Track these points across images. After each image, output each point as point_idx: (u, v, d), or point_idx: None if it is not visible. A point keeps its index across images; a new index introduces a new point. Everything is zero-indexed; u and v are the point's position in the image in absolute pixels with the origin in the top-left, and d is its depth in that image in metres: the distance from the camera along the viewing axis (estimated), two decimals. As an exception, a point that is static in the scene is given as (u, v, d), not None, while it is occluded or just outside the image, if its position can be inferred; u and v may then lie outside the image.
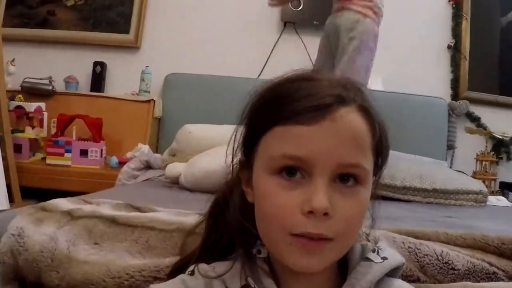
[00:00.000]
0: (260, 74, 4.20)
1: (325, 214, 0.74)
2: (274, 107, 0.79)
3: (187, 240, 1.10)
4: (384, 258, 0.87)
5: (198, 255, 0.92)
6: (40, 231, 1.22)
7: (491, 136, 4.35)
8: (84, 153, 3.39)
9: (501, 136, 4.35)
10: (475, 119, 4.58)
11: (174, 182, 2.74)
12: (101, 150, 3.43)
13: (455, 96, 4.56)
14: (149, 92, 3.97)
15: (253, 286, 0.81)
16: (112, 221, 1.27)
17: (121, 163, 3.41)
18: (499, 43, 4.70)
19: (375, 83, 3.75)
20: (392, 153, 0.87)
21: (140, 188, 2.68)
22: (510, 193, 4.20)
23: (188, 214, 1.35)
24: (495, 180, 4.21)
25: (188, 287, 0.83)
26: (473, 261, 1.29)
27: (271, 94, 0.82)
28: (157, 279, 1.04)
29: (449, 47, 4.57)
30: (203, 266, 0.86)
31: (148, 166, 3.30)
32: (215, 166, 2.56)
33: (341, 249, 0.81)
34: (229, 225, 0.88)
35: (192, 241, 1.08)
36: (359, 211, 0.79)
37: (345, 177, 0.77)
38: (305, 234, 0.74)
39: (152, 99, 3.86)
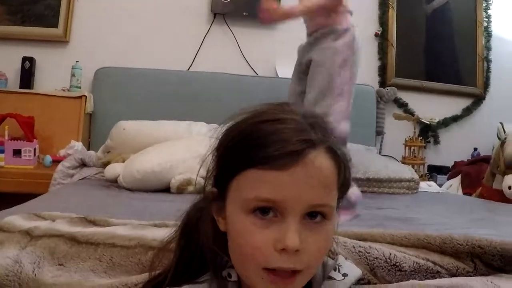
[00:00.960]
0: (190, 66, 4.18)
1: (297, 250, 0.78)
2: (246, 150, 0.82)
3: (153, 256, 1.09)
4: (345, 275, 0.94)
5: (170, 277, 0.93)
6: (3, 254, 1.20)
7: (418, 121, 4.47)
8: (17, 153, 3.29)
9: (428, 121, 4.49)
10: (403, 105, 4.71)
11: (112, 181, 2.72)
12: (34, 149, 3.35)
13: (382, 83, 4.69)
14: (80, 87, 3.88)
15: None
16: (73, 239, 1.25)
17: (55, 161, 3.34)
18: (425, 31, 4.85)
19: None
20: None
21: (79, 189, 2.65)
22: (439, 176, 4.36)
23: (144, 227, 1.35)
24: (423, 164, 4.35)
25: None
26: (419, 261, 1.35)
27: (245, 135, 0.84)
28: None
29: (376, 35, 4.68)
30: None
31: (83, 164, 3.26)
32: (153, 166, 2.57)
33: (309, 276, 0.86)
34: (201, 249, 0.91)
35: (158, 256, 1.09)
36: (326, 243, 0.85)
37: (314, 214, 0.82)
38: (278, 269, 0.79)
39: (84, 95, 3.78)
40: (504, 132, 3.03)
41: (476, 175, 3.87)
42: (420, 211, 2.37)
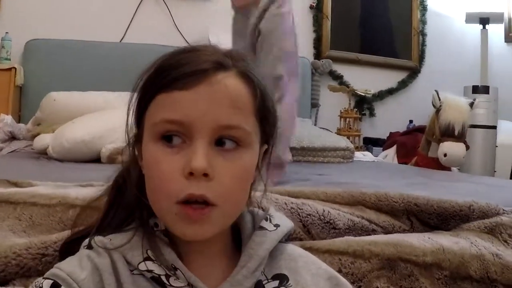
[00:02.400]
0: (123, 38, 4.05)
1: (206, 175, 0.74)
2: (157, 77, 0.80)
3: (77, 214, 1.07)
4: (277, 225, 0.89)
5: (95, 229, 0.87)
6: None
7: (354, 94, 4.46)
8: None
9: (363, 93, 4.48)
10: (338, 77, 4.71)
11: (42, 153, 2.66)
12: (-37, 122, 3.20)
13: (318, 55, 4.67)
14: (9, 59, 3.72)
15: (153, 259, 0.79)
16: (-9, 199, 1.20)
17: (-16, 135, 3.20)
18: (360, 3, 4.87)
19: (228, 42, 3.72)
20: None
21: (7, 161, 2.57)
22: (374, 148, 4.38)
23: (68, 187, 1.31)
24: (359, 136, 4.33)
25: (95, 264, 0.78)
26: (353, 219, 1.30)
27: (157, 66, 0.82)
28: (45, 256, 0.99)
29: (311, 7, 4.66)
30: (99, 238, 0.82)
31: (12, 137, 3.20)
32: (82, 135, 2.53)
33: (228, 216, 0.81)
34: (127, 199, 0.87)
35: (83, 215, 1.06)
36: (241, 173, 0.79)
37: (225, 141, 0.78)
38: (188, 198, 0.75)
39: (13, 67, 3.63)
40: (439, 100, 3.01)
41: (411, 144, 3.89)
42: (356, 177, 2.34)
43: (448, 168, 3.07)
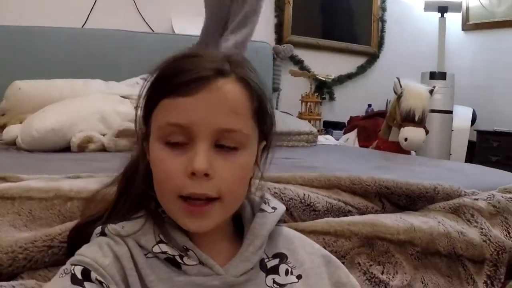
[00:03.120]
0: (84, 24, 4.02)
1: (206, 175, 0.81)
2: (161, 83, 0.87)
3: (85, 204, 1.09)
4: (274, 208, 0.98)
5: (106, 216, 0.92)
6: None
7: (314, 78, 4.55)
8: None
9: (325, 78, 4.58)
10: (299, 62, 4.78)
11: (11, 144, 2.61)
12: None
13: (279, 40, 4.71)
14: (-28, 48, 3.65)
15: (166, 242, 0.86)
16: (-14, 196, 1.20)
17: None
18: (322, -11, 4.92)
19: (191, 28, 3.75)
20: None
21: None
22: (334, 131, 4.48)
23: (58, 179, 1.32)
24: (319, 120, 4.43)
25: (114, 252, 0.84)
26: (331, 201, 1.40)
27: (161, 71, 0.88)
28: (51, 247, 1.01)
29: (273, -8, 4.69)
30: (112, 226, 0.87)
31: None
32: (52, 124, 2.46)
33: (228, 209, 0.88)
34: (136, 189, 0.93)
35: (79, 207, 1.13)
36: (240, 172, 0.87)
37: (225, 142, 0.84)
38: (191, 196, 0.82)
39: (-24, 56, 3.56)
40: (401, 86, 3.13)
41: (372, 128, 4.01)
42: (322, 160, 2.42)
43: (408, 152, 3.18)
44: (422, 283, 1.29)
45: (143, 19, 4.11)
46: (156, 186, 0.87)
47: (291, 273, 0.93)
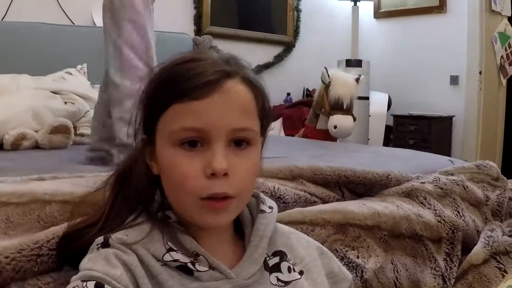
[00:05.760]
0: (4, 17, 3.88)
1: (225, 174, 0.84)
2: (169, 87, 0.87)
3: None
4: (271, 207, 1.01)
5: (102, 224, 0.92)
6: None
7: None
8: None
9: (245, 68, 4.62)
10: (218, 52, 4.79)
11: None
12: None
13: (198, 31, 4.72)
14: None
15: (176, 250, 0.87)
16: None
17: None
18: (238, -20, 4.99)
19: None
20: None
21: None
22: (275, 120, 4.55)
23: (28, 181, 1.28)
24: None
25: (123, 261, 0.84)
26: (298, 192, 1.47)
27: (165, 77, 0.90)
28: (40, 256, 0.96)
29: (192, -16, 4.69)
30: (116, 236, 0.87)
31: None
32: None
33: (242, 204, 0.92)
34: (134, 195, 0.94)
35: (59, 211, 1.08)
36: (253, 168, 0.90)
37: (239, 142, 0.88)
38: (212, 196, 0.84)
39: None
40: (328, 76, 3.22)
41: (296, 117, 4.09)
42: (265, 152, 2.44)
43: (335, 139, 3.29)
44: (392, 264, 1.39)
45: (63, 11, 4.03)
46: (171, 190, 0.88)
47: (294, 270, 0.96)
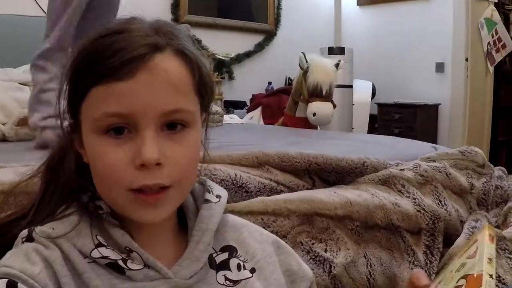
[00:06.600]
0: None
1: (158, 164, 0.73)
2: (89, 67, 0.75)
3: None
4: (219, 196, 0.89)
5: (32, 215, 0.82)
6: None
7: (213, 58, 4.50)
8: None
9: (225, 57, 4.54)
10: (197, 42, 4.68)
11: None
12: None
13: (176, 20, 4.63)
14: None
15: (106, 245, 0.76)
16: None
17: None
18: (217, -33, 4.88)
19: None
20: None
21: None
22: (236, 110, 4.47)
23: None
24: (221, 99, 4.40)
25: (44, 257, 0.74)
26: (263, 181, 1.36)
27: (85, 53, 0.77)
28: None
29: (168, -29, 4.61)
30: (40, 229, 0.77)
31: None
32: None
33: (182, 193, 0.80)
34: (65, 184, 0.83)
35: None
36: (192, 153, 0.79)
37: (173, 125, 0.76)
38: (143, 188, 0.73)
39: None
40: (307, 62, 3.12)
41: (276, 106, 4.01)
42: (235, 140, 2.36)
43: (315, 127, 3.20)
44: (365, 258, 1.28)
45: (36, 2, 3.91)
46: (98, 181, 0.77)
47: (244, 268, 0.85)
